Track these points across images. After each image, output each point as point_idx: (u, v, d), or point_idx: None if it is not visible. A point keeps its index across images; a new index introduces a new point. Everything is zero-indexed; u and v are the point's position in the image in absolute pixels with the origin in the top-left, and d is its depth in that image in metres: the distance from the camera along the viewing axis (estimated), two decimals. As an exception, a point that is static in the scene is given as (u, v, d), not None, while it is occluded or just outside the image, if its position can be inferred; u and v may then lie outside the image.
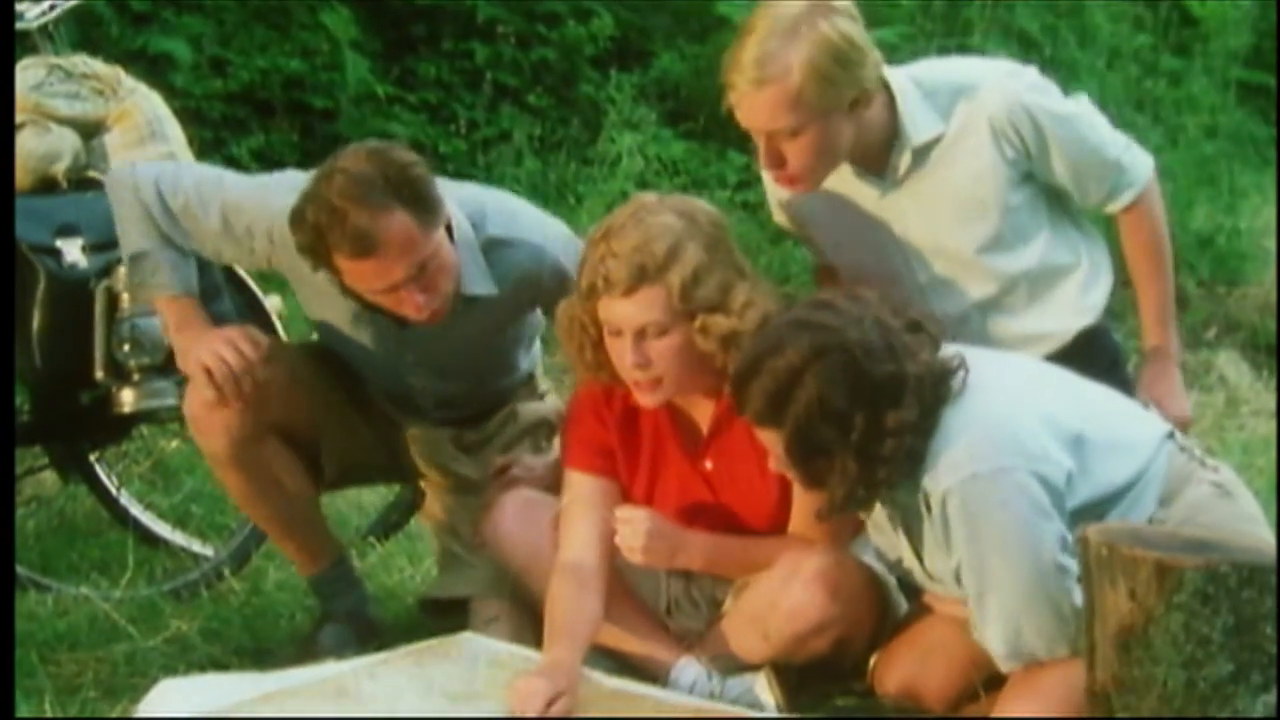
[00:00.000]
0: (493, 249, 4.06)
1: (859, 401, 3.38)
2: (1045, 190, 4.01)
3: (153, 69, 6.49)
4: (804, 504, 3.83)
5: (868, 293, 3.59)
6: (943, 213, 3.96)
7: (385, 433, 4.34)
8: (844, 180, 3.97)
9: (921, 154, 3.93)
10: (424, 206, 3.86)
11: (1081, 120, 3.99)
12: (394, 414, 4.33)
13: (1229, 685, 2.97)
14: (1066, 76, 7.39)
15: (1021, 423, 3.44)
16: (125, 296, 4.44)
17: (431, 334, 4.08)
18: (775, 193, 4.14)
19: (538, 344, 4.46)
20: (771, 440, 3.47)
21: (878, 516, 3.67)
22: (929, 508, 3.44)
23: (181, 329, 4.07)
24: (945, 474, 3.40)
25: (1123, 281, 4.16)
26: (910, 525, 3.58)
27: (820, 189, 3.96)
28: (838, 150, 3.86)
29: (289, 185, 3.98)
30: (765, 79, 3.74)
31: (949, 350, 3.51)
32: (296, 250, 3.91)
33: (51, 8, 4.79)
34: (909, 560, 3.66)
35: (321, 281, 4.02)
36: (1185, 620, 2.96)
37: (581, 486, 3.96)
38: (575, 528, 3.93)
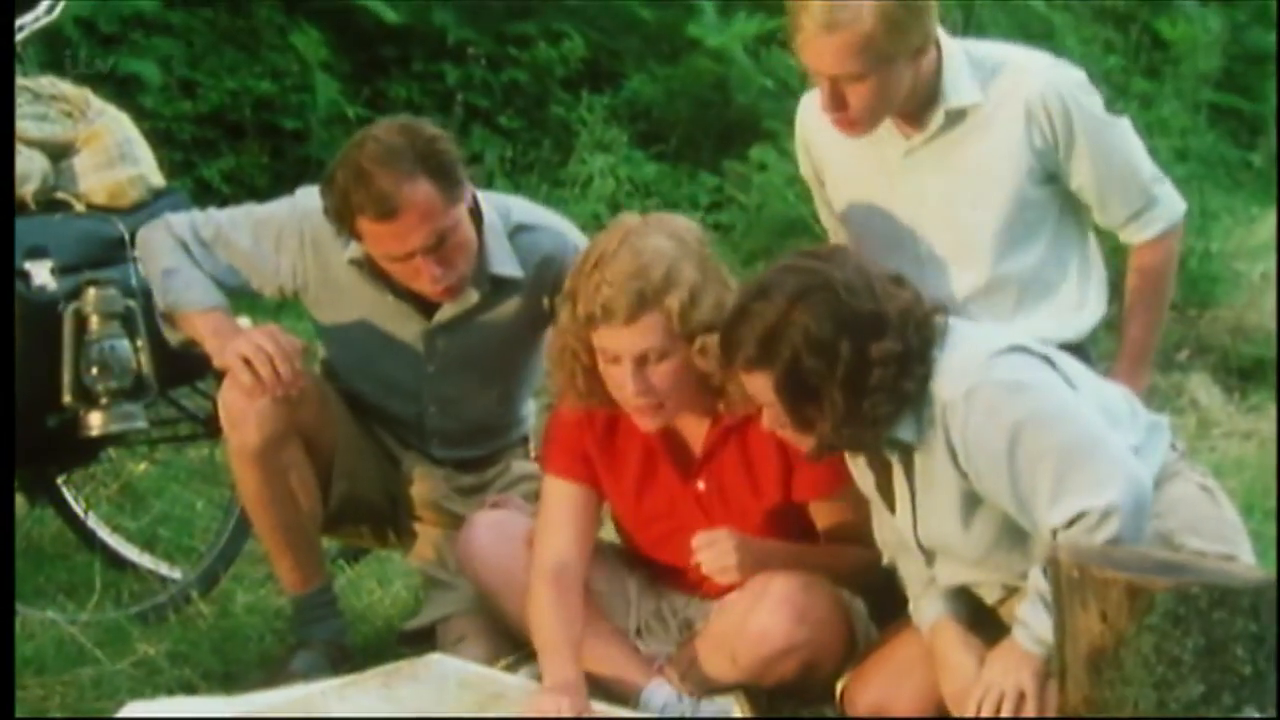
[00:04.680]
0: (518, 234, 4.26)
1: (843, 332, 3.45)
2: (1063, 199, 4.00)
3: (122, 90, 6.47)
4: (826, 511, 3.89)
5: (849, 249, 3.76)
6: (960, 183, 3.95)
7: (386, 471, 4.39)
8: (875, 132, 3.95)
9: (954, 118, 3.92)
10: (447, 178, 4.04)
11: (1116, 131, 3.98)
12: (397, 450, 4.39)
13: (1200, 706, 2.97)
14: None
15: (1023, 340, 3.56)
16: (94, 319, 4.41)
17: (459, 330, 4.22)
18: (805, 137, 4.14)
19: (532, 407, 4.53)
20: (762, 386, 3.50)
21: (878, 490, 3.69)
22: (949, 433, 3.46)
23: (217, 333, 4.15)
24: (962, 376, 3.46)
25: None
26: (913, 485, 3.59)
27: (849, 141, 3.96)
28: (898, 96, 3.86)
29: (313, 191, 4.18)
30: (836, 23, 3.73)
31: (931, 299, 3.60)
32: (324, 214, 4.09)
33: (19, 29, 4.77)
34: (905, 528, 3.65)
35: (347, 279, 4.21)
36: (1156, 642, 2.96)
37: (560, 492, 3.96)
38: (553, 533, 3.93)
